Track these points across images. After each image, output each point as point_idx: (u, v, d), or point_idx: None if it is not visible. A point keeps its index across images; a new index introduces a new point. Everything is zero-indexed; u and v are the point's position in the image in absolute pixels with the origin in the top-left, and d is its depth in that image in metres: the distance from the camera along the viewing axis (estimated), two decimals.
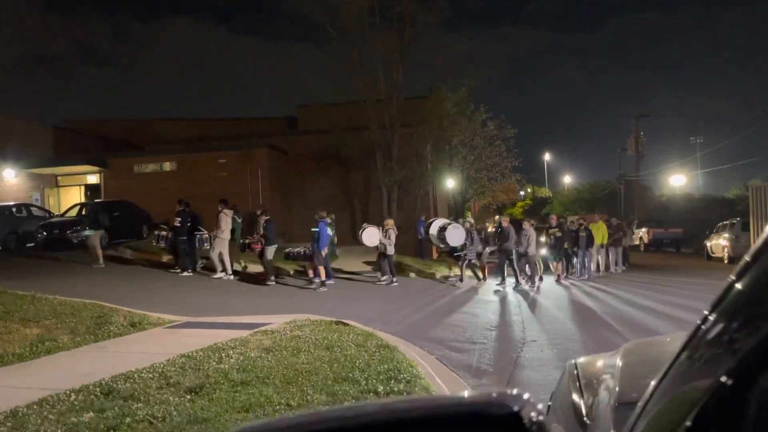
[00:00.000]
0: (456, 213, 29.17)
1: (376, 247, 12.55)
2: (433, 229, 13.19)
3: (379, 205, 24.48)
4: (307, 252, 12.16)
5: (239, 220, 13.67)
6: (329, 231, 11.76)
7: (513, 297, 11.15)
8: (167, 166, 24.38)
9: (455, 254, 13.02)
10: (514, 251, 12.30)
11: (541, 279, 13.30)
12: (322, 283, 10.93)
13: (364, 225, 12.81)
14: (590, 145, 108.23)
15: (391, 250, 12.15)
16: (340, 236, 19.48)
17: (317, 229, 11.07)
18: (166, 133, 28.80)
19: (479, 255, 13.05)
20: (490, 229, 13.78)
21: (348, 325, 6.85)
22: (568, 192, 47.15)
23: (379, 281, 12.13)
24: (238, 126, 29.32)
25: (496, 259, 13.00)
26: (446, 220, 13.46)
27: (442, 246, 13.34)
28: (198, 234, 12.66)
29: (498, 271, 12.82)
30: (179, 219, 12.44)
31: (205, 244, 12.96)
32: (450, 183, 26.46)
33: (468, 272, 13.32)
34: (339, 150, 22.72)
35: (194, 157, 24.07)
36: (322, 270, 10.99)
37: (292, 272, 13.38)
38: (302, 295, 10.35)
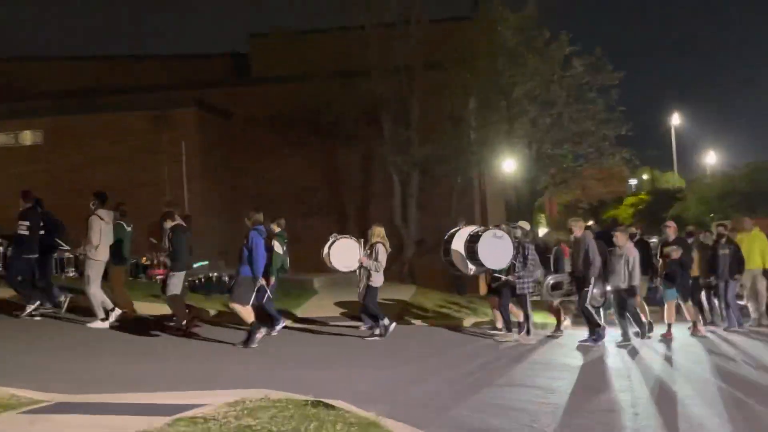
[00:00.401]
0: (519, 216, 26.68)
1: (356, 273, 12.86)
2: (458, 243, 13.19)
3: (387, 203, 24.10)
4: (224, 280, 12.96)
5: (128, 229, 13.16)
6: (279, 247, 12.25)
7: (614, 360, 11.29)
8: (27, 137, 24.11)
9: (496, 285, 13.13)
10: (595, 282, 12.27)
11: (650, 328, 13.36)
12: (252, 336, 10.89)
13: (333, 236, 13.09)
14: (750, 105, 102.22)
15: (378, 280, 12.37)
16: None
17: (250, 243, 11.00)
18: (36, 81, 28.55)
19: (538, 286, 13.01)
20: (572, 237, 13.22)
21: (333, 408, 6.56)
22: (712, 180, 42.29)
23: (372, 336, 12.31)
24: (150, 70, 28.77)
25: (570, 294, 13.01)
26: (481, 228, 13.52)
27: (473, 270, 13.40)
28: (58, 250, 13.09)
29: (582, 312, 12.70)
30: (25, 224, 12.18)
31: (69, 271, 14.19)
32: (509, 165, 25.67)
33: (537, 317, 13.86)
34: (320, 111, 22.61)
35: (72, 123, 23.89)
36: (245, 311, 10.92)
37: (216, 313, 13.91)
38: (246, 356, 10.45)
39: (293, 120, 24.14)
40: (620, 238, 12.50)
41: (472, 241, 12.70)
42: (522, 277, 12.47)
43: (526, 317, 12.67)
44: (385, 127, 22.93)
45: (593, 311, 12.29)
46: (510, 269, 12.63)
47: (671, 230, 14.04)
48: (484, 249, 12.51)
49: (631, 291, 12.48)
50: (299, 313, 14.32)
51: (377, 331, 12.17)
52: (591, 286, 12.16)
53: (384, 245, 12.43)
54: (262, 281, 11.13)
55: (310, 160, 25.00)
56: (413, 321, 14.61)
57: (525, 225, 13.24)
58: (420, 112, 22.88)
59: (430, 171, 23.21)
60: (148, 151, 22.99)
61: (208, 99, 24.57)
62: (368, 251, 12.52)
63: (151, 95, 24.88)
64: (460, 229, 13.73)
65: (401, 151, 22.58)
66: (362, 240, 12.86)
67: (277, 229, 12.50)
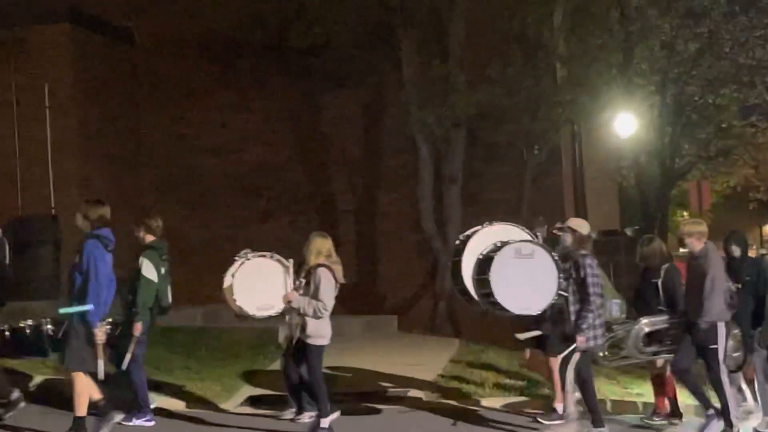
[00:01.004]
0: (642, 213, 27.04)
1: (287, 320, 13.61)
2: (468, 268, 13.27)
3: (408, 192, 24.24)
4: (44, 330, 12.68)
5: None
6: (150, 270, 12.85)
7: None
8: None
9: (524, 337, 14.15)
10: (726, 329, 12.82)
11: None
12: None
13: (244, 254, 13.62)
14: None
15: (320, 330, 12.85)
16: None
17: (84, 262, 11.56)
18: None
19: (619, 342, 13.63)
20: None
21: None
22: None
23: (303, 417, 13.30)
24: None
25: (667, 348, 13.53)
26: (522, 232, 13.86)
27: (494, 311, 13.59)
28: None
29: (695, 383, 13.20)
30: None
31: None
32: (625, 125, 25.78)
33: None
34: (288, 29, 22.61)
35: None
36: (81, 385, 11.47)
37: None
38: None
39: (241, 46, 24.22)
40: None
41: (484, 265, 12.80)
42: (583, 321, 12.56)
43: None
44: (405, 57, 22.70)
45: (726, 383, 12.68)
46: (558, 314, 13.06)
47: None
48: (501, 280, 12.56)
49: None
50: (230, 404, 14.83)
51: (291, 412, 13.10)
52: (721, 336, 12.48)
53: (330, 270, 12.63)
54: (100, 331, 11.26)
55: (271, 116, 25.16)
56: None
57: (580, 225, 13.44)
58: (467, 31, 22.67)
59: (484, 136, 23.14)
60: None
61: (93, 9, 24.50)
62: (302, 281, 12.85)
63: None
64: (478, 229, 13.68)
65: (433, 100, 22.26)
66: (293, 262, 13.10)
67: (148, 239, 12.89)
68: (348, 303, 16.51)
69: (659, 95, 26.01)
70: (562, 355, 13.03)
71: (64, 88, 23.22)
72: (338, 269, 13.03)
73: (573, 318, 12.65)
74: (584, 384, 12.90)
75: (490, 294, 12.65)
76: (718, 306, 12.47)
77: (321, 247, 12.99)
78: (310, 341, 12.62)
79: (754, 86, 27.14)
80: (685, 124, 27.56)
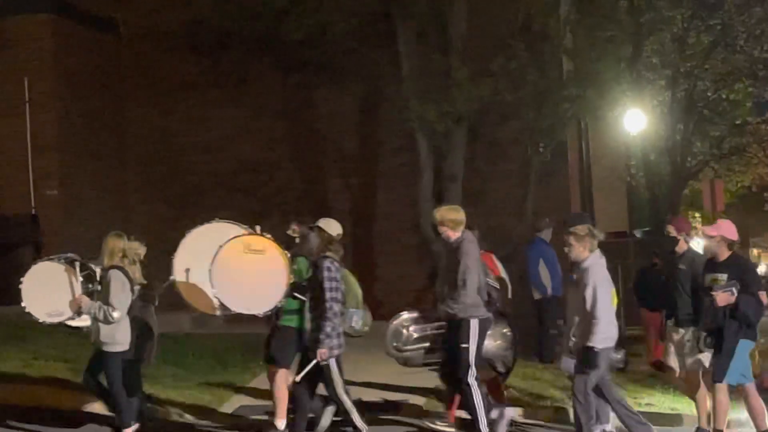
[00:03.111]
0: (654, 214, 26.93)
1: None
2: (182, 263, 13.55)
3: (407, 191, 24.35)
4: None
5: None
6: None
7: None
8: None
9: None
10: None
11: None
12: None
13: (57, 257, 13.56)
14: None
15: (118, 336, 12.68)
16: None
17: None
18: None
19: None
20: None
21: None
22: None
23: None
24: None
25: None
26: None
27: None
28: None
29: None
30: None
31: None
32: (634, 121, 25.74)
33: None
34: (280, 19, 22.58)
35: None
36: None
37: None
38: None
39: (231, 38, 24.18)
40: None
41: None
42: (321, 331, 12.42)
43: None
44: (403, 50, 22.68)
45: (474, 386, 12.64)
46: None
47: None
48: (224, 274, 12.63)
49: None
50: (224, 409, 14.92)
51: None
52: (473, 334, 12.46)
53: (123, 272, 12.56)
54: None
55: (262, 112, 25.16)
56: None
57: (329, 225, 13.19)
58: (469, 22, 22.64)
59: (487, 132, 23.18)
60: None
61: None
62: (93, 285, 12.69)
63: None
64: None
65: (433, 94, 22.14)
66: (78, 263, 13.00)
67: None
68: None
69: (670, 90, 25.97)
70: (303, 373, 12.77)
71: (45, 81, 23.24)
72: (134, 269, 12.87)
73: (310, 327, 12.62)
74: (333, 395, 12.83)
75: (213, 286, 12.76)
76: (470, 301, 12.48)
77: (114, 247, 12.85)
78: (105, 348, 12.52)
79: None
80: (697, 121, 27.61)
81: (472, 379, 12.45)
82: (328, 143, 25.47)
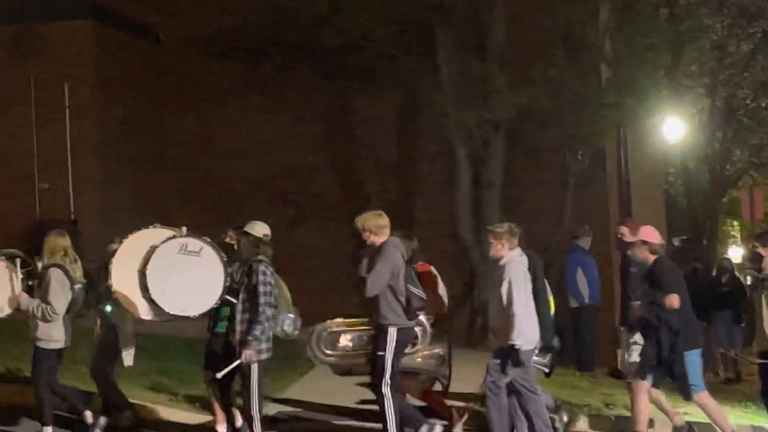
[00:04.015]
0: (691, 224, 26.36)
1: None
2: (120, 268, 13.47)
3: (444, 198, 24.27)
4: None
5: None
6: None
7: None
8: None
9: None
10: None
11: None
12: None
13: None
14: None
15: (51, 332, 12.88)
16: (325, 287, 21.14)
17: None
18: None
19: None
20: None
21: None
22: None
23: None
24: None
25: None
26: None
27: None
28: None
29: None
30: None
31: None
32: (673, 130, 25.71)
33: None
34: (320, 27, 22.61)
35: None
36: None
37: None
38: None
39: (270, 45, 24.23)
40: None
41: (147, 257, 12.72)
42: (250, 333, 12.28)
43: None
44: (442, 57, 22.72)
45: (388, 397, 12.48)
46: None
47: None
48: (159, 275, 12.54)
49: None
50: None
51: None
52: (390, 342, 12.33)
53: (64, 271, 12.58)
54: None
55: (300, 118, 25.13)
56: None
57: (253, 227, 13.17)
58: (507, 29, 22.67)
59: (525, 140, 23.16)
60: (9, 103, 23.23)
61: (116, 4, 24.57)
62: (34, 282, 12.75)
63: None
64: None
65: (472, 101, 22.22)
66: (19, 260, 13.01)
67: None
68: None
69: (709, 98, 25.73)
70: (224, 371, 12.72)
71: (84, 86, 23.23)
72: (75, 268, 12.91)
73: (239, 328, 12.45)
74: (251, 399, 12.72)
75: (147, 288, 12.70)
76: (388, 307, 12.41)
77: (55, 245, 12.93)
78: (39, 344, 12.55)
79: None
80: (736, 129, 27.28)
81: (386, 389, 12.45)
82: (366, 149, 25.41)
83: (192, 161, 25.47)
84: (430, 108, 23.49)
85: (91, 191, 22.67)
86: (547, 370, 13.64)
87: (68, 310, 12.70)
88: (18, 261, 12.97)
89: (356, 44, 22.52)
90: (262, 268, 12.00)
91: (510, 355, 12.08)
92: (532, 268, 12.96)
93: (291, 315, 13.01)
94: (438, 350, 13.77)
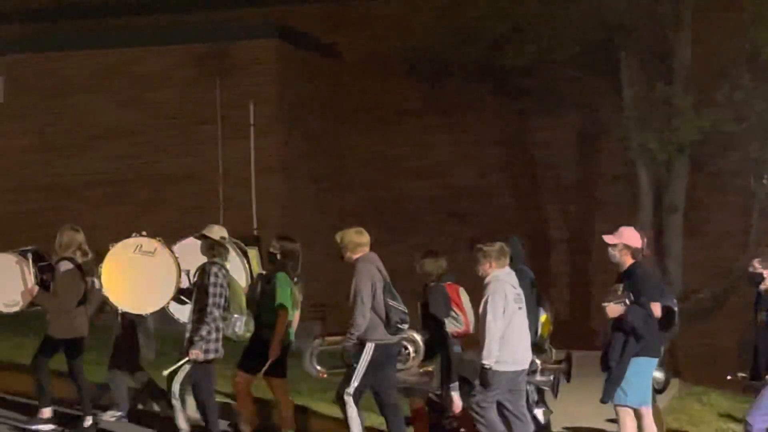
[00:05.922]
0: None
1: None
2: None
3: (622, 221, 21.94)
4: None
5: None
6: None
7: None
8: None
9: None
10: None
11: None
12: None
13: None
14: None
15: (58, 327, 13.16)
16: None
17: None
18: None
19: None
20: None
21: None
22: None
23: None
24: None
25: None
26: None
27: None
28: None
29: None
30: None
31: None
32: None
33: None
34: (499, 48, 22.76)
35: (42, 65, 24.77)
36: None
37: None
38: None
39: (451, 65, 24.39)
40: None
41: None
42: (196, 332, 12.42)
43: None
44: (625, 78, 22.78)
45: (351, 406, 12.55)
46: None
47: None
48: (113, 274, 12.56)
49: None
50: None
51: None
52: (365, 355, 12.45)
53: (75, 263, 12.77)
54: None
55: (480, 138, 25.25)
56: None
57: (211, 230, 13.14)
58: (692, 50, 22.53)
59: (709, 162, 22.99)
60: (183, 118, 23.72)
61: (299, 24, 25.06)
62: (44, 276, 12.86)
63: (191, 16, 25.80)
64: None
65: (655, 123, 22.23)
66: (29, 254, 13.09)
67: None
68: (557, 338, 16.01)
69: None
70: (171, 369, 12.78)
71: (269, 105, 23.62)
72: (88, 263, 13.12)
73: (189, 327, 12.61)
74: (202, 399, 12.87)
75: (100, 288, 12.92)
76: (363, 321, 12.39)
77: (71, 240, 13.12)
78: (49, 332, 12.82)
79: None
80: None
81: (348, 397, 12.45)
82: (545, 171, 25.35)
83: (371, 180, 25.65)
84: (611, 129, 23.51)
85: (273, 208, 22.95)
86: (546, 388, 13.66)
87: (82, 302, 13.00)
88: (30, 255, 13.18)
89: (537, 65, 22.67)
90: (214, 269, 12.27)
91: (481, 376, 12.13)
92: (524, 284, 12.99)
93: (243, 317, 13.20)
94: (429, 367, 13.51)
